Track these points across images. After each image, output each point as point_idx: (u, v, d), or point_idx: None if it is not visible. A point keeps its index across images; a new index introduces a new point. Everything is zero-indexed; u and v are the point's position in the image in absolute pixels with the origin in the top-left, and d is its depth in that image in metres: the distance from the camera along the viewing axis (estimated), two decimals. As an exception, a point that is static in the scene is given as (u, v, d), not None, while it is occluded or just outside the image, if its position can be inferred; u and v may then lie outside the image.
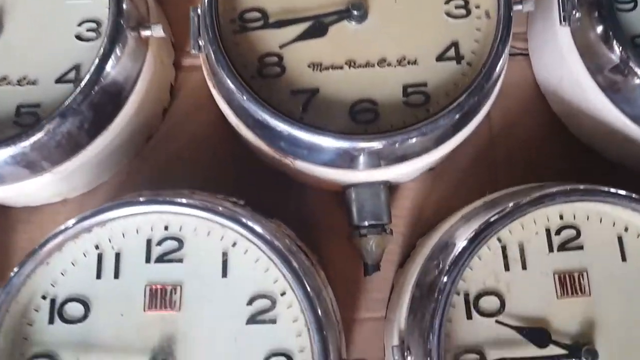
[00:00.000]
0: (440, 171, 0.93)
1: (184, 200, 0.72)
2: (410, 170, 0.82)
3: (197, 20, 0.79)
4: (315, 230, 0.90)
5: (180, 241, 0.72)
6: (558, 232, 0.73)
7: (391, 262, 0.90)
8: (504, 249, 0.72)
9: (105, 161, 0.86)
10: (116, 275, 0.72)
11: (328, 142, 0.73)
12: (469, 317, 0.70)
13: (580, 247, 0.73)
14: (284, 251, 0.71)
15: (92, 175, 0.89)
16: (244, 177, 0.92)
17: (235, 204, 0.76)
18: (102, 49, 0.77)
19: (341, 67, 0.78)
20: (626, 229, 0.74)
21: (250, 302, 0.70)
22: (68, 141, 0.77)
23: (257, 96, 0.74)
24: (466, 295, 0.71)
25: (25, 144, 0.74)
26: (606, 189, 0.73)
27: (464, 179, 0.93)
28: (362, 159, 0.76)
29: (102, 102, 0.78)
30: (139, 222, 0.73)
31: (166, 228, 0.73)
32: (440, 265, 0.72)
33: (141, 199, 0.72)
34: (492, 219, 0.72)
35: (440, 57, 0.78)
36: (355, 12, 0.78)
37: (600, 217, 0.74)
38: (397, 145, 0.74)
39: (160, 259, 0.72)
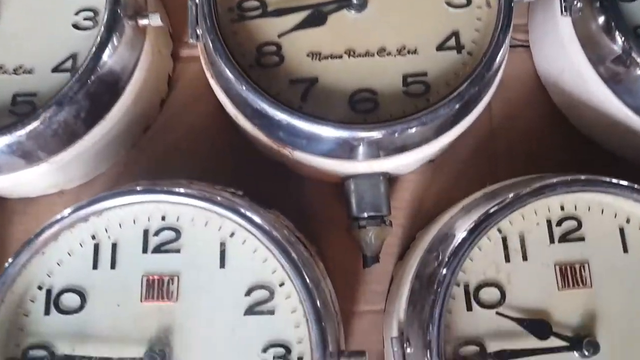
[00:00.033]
0: (440, 163, 0.93)
1: (181, 190, 0.71)
2: (409, 162, 0.81)
3: (195, 9, 0.78)
4: (314, 222, 0.90)
5: (177, 231, 0.72)
6: (559, 224, 0.73)
7: (390, 255, 0.89)
8: (504, 240, 0.72)
9: (102, 152, 0.86)
10: (113, 266, 0.71)
11: (327, 132, 0.73)
12: (469, 308, 0.70)
13: (582, 239, 0.72)
14: (282, 241, 0.70)
15: (89, 166, 0.89)
16: (242, 168, 0.92)
17: (233, 194, 0.76)
18: (99, 37, 0.77)
19: (340, 57, 0.77)
20: (628, 221, 0.73)
21: (248, 293, 0.70)
22: (64, 130, 0.76)
23: (256, 85, 0.74)
24: (466, 287, 0.70)
25: (21, 133, 0.73)
26: (608, 179, 0.72)
27: (464, 171, 0.93)
28: (361, 149, 0.75)
29: (99, 92, 0.77)
30: (136, 211, 0.72)
31: (163, 218, 0.72)
32: (440, 257, 0.72)
33: (138, 189, 0.72)
34: (492, 210, 0.71)
35: (440, 47, 0.77)
36: (354, 1, 0.77)
37: (601, 208, 0.73)
38: (396, 135, 0.73)
39: (158, 250, 0.71)
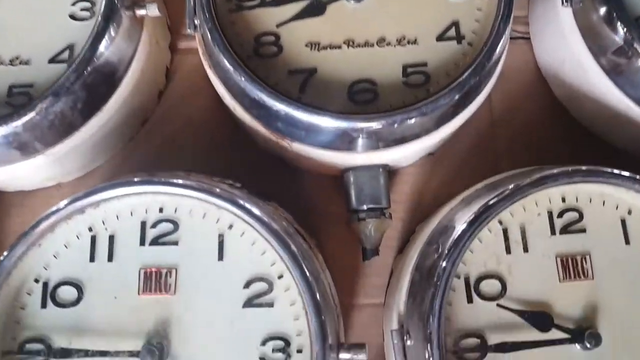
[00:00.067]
0: (440, 156, 0.92)
1: (179, 181, 0.71)
2: (409, 153, 0.81)
3: (193, -1, 0.78)
4: (313, 216, 0.89)
5: (175, 223, 0.71)
6: (560, 215, 0.72)
7: (390, 248, 0.89)
8: (505, 231, 0.71)
9: (100, 144, 0.85)
10: (110, 258, 0.70)
11: (326, 122, 0.72)
12: (470, 300, 0.69)
13: (583, 230, 0.72)
14: (281, 233, 0.69)
15: (87, 159, 0.88)
16: (240, 162, 0.91)
17: (231, 186, 0.75)
18: (95, 28, 0.76)
19: (339, 47, 0.76)
20: (629, 212, 0.73)
21: (246, 286, 0.69)
22: (61, 122, 0.76)
23: (254, 75, 0.73)
24: (466, 279, 0.70)
25: (17, 124, 0.72)
26: (609, 170, 0.72)
27: (464, 164, 0.92)
28: (360, 140, 0.74)
29: (96, 82, 0.77)
30: (133, 203, 0.71)
31: (161, 210, 0.72)
32: (440, 249, 0.71)
33: (135, 179, 0.71)
34: (492, 201, 0.71)
35: (440, 37, 0.77)
36: (354, -9, 0.77)
37: (603, 199, 0.73)
38: (396, 125, 0.72)
39: (155, 242, 0.71)
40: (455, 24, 0.77)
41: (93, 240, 0.71)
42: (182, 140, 0.93)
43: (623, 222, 0.72)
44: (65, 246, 0.71)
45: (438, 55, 0.76)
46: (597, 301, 0.69)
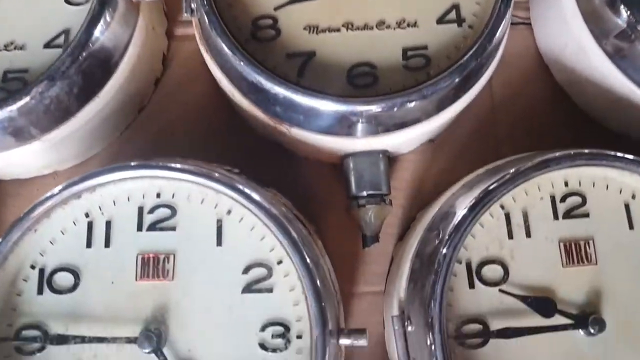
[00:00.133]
0: (440, 142, 0.91)
1: (177, 165, 0.70)
2: (410, 139, 0.80)
3: (190, -18, 0.76)
4: (313, 203, 0.88)
5: (172, 209, 0.70)
6: (563, 199, 0.71)
7: (390, 235, 0.88)
8: (507, 216, 0.71)
9: (96, 131, 0.84)
10: (107, 244, 0.70)
11: (325, 106, 0.71)
12: (472, 286, 0.69)
13: (586, 215, 0.71)
14: (280, 219, 0.69)
15: (83, 146, 0.87)
16: (238, 148, 0.90)
17: (230, 171, 0.74)
18: (91, 12, 0.75)
19: (338, 30, 0.75)
20: (633, 196, 0.72)
21: (245, 271, 0.68)
22: (57, 107, 0.74)
23: (252, 58, 0.72)
24: (468, 264, 0.69)
25: (12, 108, 0.71)
26: (613, 153, 0.71)
27: (465, 150, 0.92)
28: (360, 124, 0.73)
29: (92, 68, 0.76)
30: (130, 188, 0.71)
31: (158, 195, 0.71)
32: (441, 234, 0.70)
33: (132, 164, 0.70)
34: (493, 185, 0.70)
35: (440, 20, 0.76)
36: (352, -27, 0.76)
37: (606, 183, 0.72)
38: (396, 109, 0.71)
39: (153, 227, 0.70)
40: (456, 7, 0.76)
41: (90, 225, 0.70)
42: (179, 127, 0.92)
43: (627, 206, 0.71)
44: (62, 232, 0.70)
45: (438, 38, 0.75)
46: (601, 286, 0.68)
